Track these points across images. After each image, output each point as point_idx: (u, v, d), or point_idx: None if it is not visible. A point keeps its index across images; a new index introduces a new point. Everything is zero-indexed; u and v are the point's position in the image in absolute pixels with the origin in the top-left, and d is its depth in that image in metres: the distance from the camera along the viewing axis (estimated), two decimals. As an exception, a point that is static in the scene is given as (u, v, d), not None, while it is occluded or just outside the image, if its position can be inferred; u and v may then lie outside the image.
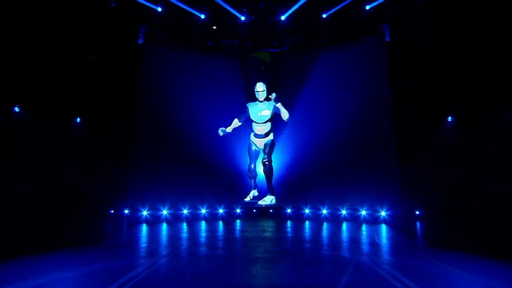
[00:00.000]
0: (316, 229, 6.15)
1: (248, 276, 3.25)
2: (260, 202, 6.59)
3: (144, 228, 6.31)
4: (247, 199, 6.88)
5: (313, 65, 8.29)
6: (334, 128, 7.95)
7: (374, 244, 4.81)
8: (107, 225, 6.69)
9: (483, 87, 6.40)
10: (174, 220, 7.07)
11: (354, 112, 7.86)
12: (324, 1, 7.64)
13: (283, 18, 7.83)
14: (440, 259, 3.89)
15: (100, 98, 7.77)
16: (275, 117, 6.80)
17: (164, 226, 6.43)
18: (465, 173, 6.77)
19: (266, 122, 6.63)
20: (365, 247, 4.63)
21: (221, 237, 5.40)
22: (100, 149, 7.84)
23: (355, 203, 7.48)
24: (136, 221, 7.06)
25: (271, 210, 7.70)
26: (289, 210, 7.66)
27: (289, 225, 6.55)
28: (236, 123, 6.81)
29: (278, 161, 7.98)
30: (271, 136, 6.69)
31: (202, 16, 7.81)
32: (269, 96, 6.47)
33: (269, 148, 6.59)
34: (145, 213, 7.54)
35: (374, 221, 6.96)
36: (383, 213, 7.20)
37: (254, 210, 7.71)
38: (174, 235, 5.64)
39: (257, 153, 6.73)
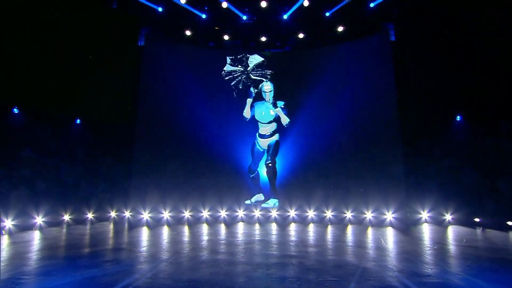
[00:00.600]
0: (321, 233, 5.99)
1: (249, 285, 3.11)
2: (263, 205, 6.44)
3: (145, 231, 6.19)
4: (250, 201, 6.74)
5: (316, 65, 8.12)
6: (338, 129, 7.77)
7: (381, 248, 4.64)
8: (107, 228, 6.59)
9: (494, 85, 6.22)
10: (176, 223, 6.96)
11: (359, 113, 7.69)
12: (327, 0, 7.51)
13: (285, 17, 7.71)
14: (454, 267, 3.72)
15: (101, 100, 7.66)
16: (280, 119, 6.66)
17: (165, 229, 6.32)
18: (477, 174, 6.55)
19: (270, 122, 6.48)
20: (371, 252, 4.47)
21: (222, 241, 5.26)
22: (100, 151, 7.75)
23: (360, 205, 7.32)
24: (137, 223, 6.97)
25: (274, 213, 7.56)
26: (293, 213, 7.52)
27: (292, 228, 6.40)
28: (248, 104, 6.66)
29: (281, 162, 7.82)
30: (275, 137, 6.49)
31: (204, 16, 7.72)
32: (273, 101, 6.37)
33: (273, 149, 6.41)
34: (146, 215, 7.44)
35: (379, 224, 6.78)
36: (389, 216, 7.03)
37: (257, 213, 7.58)
38: (174, 238, 5.52)
39: (259, 154, 6.55)
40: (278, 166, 7.66)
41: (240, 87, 6.51)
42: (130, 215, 7.53)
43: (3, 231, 5.46)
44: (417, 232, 6.05)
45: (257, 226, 6.68)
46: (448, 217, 6.74)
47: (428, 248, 4.66)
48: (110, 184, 7.73)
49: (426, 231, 6.08)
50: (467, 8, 6.46)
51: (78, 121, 7.47)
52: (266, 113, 6.37)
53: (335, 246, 4.90)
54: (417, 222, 6.78)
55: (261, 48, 8.37)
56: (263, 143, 6.46)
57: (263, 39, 8.32)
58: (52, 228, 6.25)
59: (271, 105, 6.27)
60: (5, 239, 5.11)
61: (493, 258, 4.03)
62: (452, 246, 4.87)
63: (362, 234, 5.82)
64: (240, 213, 7.55)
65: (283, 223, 6.97)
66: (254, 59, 6.39)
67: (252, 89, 6.32)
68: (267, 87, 6.44)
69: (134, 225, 6.84)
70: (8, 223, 5.90)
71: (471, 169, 6.68)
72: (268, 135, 6.44)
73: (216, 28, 8.19)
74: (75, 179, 7.40)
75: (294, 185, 7.68)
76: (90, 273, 3.28)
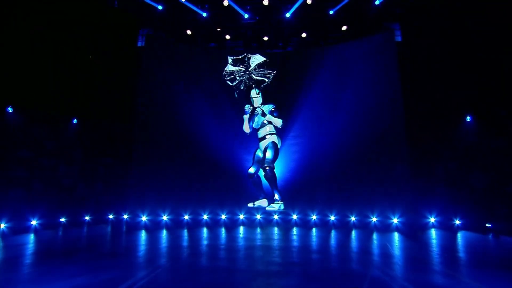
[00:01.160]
0: (324, 238, 5.75)
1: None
2: (267, 208, 6.18)
3: (142, 234, 5.98)
4: (251, 204, 6.47)
5: (319, 65, 7.92)
6: (341, 130, 7.56)
7: (388, 255, 4.40)
8: (104, 232, 6.40)
9: (506, 84, 5.97)
10: (175, 227, 6.75)
11: (363, 114, 7.47)
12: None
13: (288, 15, 7.51)
14: (467, 276, 3.47)
15: (99, 99, 7.51)
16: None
17: (163, 233, 6.10)
18: (487, 177, 6.28)
19: (263, 126, 6.23)
20: (378, 258, 4.22)
21: (222, 246, 5.04)
22: (98, 152, 7.57)
23: (364, 209, 7.07)
24: (135, 227, 6.78)
25: (276, 217, 7.34)
26: (295, 217, 7.29)
27: (295, 233, 6.16)
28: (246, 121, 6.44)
29: (283, 165, 7.61)
30: (271, 138, 6.12)
31: (204, 14, 7.54)
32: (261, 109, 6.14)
33: (269, 151, 6.05)
34: (144, 218, 7.24)
35: (385, 228, 6.53)
36: (395, 220, 6.77)
37: (258, 216, 7.36)
38: (172, 243, 5.31)
39: (259, 157, 6.27)
40: (279, 168, 7.44)
41: (242, 88, 6.29)
42: (127, 217, 7.36)
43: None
44: (425, 237, 5.79)
45: (258, 230, 6.45)
46: (457, 222, 6.48)
47: (439, 255, 4.41)
48: (107, 186, 7.56)
49: (435, 237, 5.81)
50: (477, 7, 6.27)
51: (75, 121, 7.29)
52: (258, 119, 6.18)
53: (340, 253, 4.66)
54: (425, 227, 6.53)
55: (263, 49, 8.19)
56: (261, 146, 6.22)
57: (265, 38, 8.15)
58: (47, 231, 6.06)
59: (260, 112, 6.07)
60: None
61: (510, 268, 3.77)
62: (465, 254, 4.61)
63: (367, 239, 5.57)
64: (241, 216, 7.33)
65: (285, 227, 6.74)
66: (256, 59, 6.17)
67: (247, 106, 6.18)
68: (253, 94, 6.24)
69: (132, 228, 6.65)
70: (1, 225, 5.73)
71: (480, 172, 6.41)
72: (263, 138, 6.19)
73: (218, 29, 8.04)
74: (72, 180, 7.23)
75: (296, 188, 7.45)
76: (76, 281, 3.07)
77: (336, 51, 7.98)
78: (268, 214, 7.25)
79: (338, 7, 7.24)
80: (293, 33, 8.25)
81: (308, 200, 7.35)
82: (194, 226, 6.81)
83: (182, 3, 7.18)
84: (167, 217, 7.29)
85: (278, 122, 6.11)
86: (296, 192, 7.35)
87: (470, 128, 6.75)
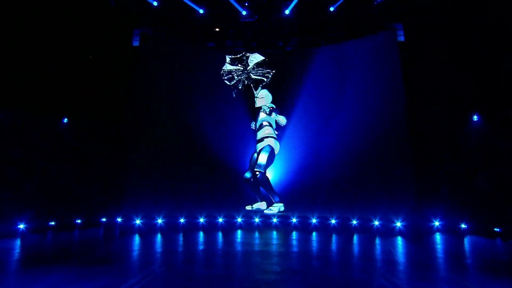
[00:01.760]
0: (325, 242, 5.52)
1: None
2: (266, 211, 5.93)
3: (135, 239, 5.75)
4: (250, 207, 6.22)
5: (320, 64, 7.71)
6: (342, 131, 7.35)
7: (393, 262, 4.17)
8: (95, 236, 6.16)
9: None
10: (169, 230, 6.51)
11: (365, 114, 7.27)
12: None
13: (287, 12, 7.31)
14: (476, 284, 3.26)
15: (93, 98, 7.29)
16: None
17: (158, 237, 5.87)
18: (494, 178, 6.07)
19: (260, 127, 5.93)
20: (382, 265, 4.00)
21: (218, 252, 4.81)
22: (92, 153, 7.33)
23: (366, 212, 6.85)
24: (128, 230, 6.55)
25: (275, 220, 7.11)
26: (294, 220, 7.06)
27: (294, 237, 5.93)
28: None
29: (282, 166, 7.39)
30: (267, 142, 5.77)
31: (201, 11, 7.34)
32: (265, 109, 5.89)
33: (263, 154, 5.63)
34: (138, 221, 7.01)
35: (388, 232, 6.30)
36: (398, 224, 6.55)
37: (257, 220, 7.13)
38: (166, 248, 5.07)
39: (253, 160, 5.95)
40: (278, 169, 7.24)
41: (240, 87, 6.07)
42: (121, 220, 7.13)
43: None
44: (430, 242, 5.56)
45: (256, 234, 6.22)
46: (463, 225, 6.27)
47: (446, 262, 4.19)
48: (101, 188, 7.31)
49: (440, 241, 5.59)
50: (479, 6, 6.10)
51: (65, 120, 7.08)
52: (258, 117, 5.94)
53: (342, 258, 4.43)
54: (429, 231, 6.31)
55: (263, 48, 7.99)
56: (258, 149, 5.91)
57: (265, 38, 7.97)
58: (35, 235, 5.83)
59: (264, 113, 5.83)
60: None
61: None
62: (472, 260, 4.39)
63: (370, 244, 5.35)
64: (239, 219, 7.11)
65: (284, 231, 6.51)
66: (255, 58, 5.94)
67: (252, 124, 6.09)
68: (260, 93, 6.01)
69: (125, 232, 6.42)
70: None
71: (487, 174, 6.20)
72: (260, 139, 5.88)
73: (217, 29, 7.85)
74: (64, 181, 6.98)
75: (295, 190, 7.21)
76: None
77: (336, 50, 7.79)
78: (267, 217, 7.02)
79: (338, 3, 7.05)
80: (293, 32, 8.07)
81: (308, 203, 7.12)
82: (190, 229, 6.58)
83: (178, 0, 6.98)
84: (162, 220, 7.05)
85: (283, 120, 5.89)
86: (296, 194, 7.11)
87: (475, 128, 6.55)
